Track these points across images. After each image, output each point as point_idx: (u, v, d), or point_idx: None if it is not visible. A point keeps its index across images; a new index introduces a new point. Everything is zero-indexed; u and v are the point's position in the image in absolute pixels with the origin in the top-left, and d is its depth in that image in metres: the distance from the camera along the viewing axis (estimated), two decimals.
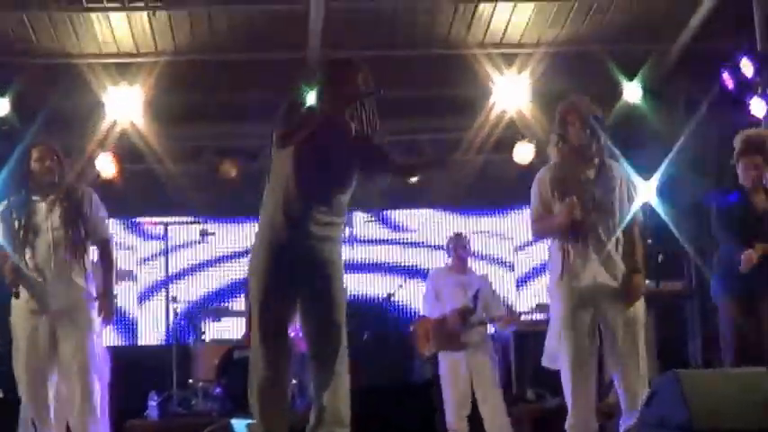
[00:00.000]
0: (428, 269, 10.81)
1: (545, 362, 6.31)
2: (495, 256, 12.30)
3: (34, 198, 6.59)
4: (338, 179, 5.47)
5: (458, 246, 9.01)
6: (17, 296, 6.40)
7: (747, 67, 9.37)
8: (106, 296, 6.63)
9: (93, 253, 6.77)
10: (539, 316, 9.93)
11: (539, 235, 6.41)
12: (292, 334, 6.32)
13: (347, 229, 9.87)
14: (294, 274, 5.40)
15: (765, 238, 7.17)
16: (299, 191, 5.38)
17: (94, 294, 6.57)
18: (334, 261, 5.48)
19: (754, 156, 7.28)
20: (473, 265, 9.37)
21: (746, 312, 7.16)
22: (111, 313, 6.69)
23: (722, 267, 7.34)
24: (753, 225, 7.24)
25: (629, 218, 6.11)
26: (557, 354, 6.13)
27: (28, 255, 6.45)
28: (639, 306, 6.09)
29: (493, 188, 11.80)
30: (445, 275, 9.02)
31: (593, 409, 6.09)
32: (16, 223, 6.49)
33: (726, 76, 9.51)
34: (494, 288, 9.37)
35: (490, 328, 9.02)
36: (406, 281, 11.27)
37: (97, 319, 6.57)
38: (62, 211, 6.52)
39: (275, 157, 5.45)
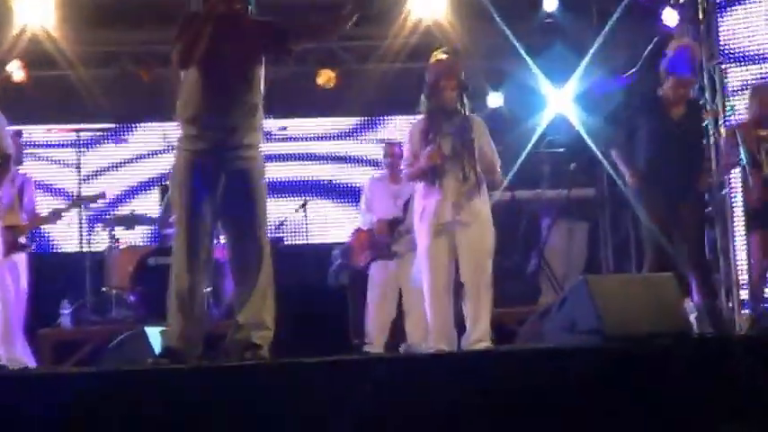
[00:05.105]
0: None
1: (415, 283, 7.47)
2: None
3: None
4: (241, 75, 5.48)
5: (385, 154, 9.01)
6: None
7: None
8: None
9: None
10: None
11: (409, 179, 7.40)
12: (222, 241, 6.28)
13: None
14: (211, 182, 5.42)
15: (681, 144, 7.34)
16: (207, 100, 5.41)
17: None
18: (251, 168, 5.49)
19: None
20: None
21: (666, 218, 7.28)
22: None
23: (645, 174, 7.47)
24: (669, 132, 7.39)
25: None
26: (420, 277, 7.18)
27: None
28: (488, 238, 7.02)
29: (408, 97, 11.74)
30: (377, 185, 8.97)
31: (450, 322, 7.03)
32: None
33: None
34: None
35: None
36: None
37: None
38: None
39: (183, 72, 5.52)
